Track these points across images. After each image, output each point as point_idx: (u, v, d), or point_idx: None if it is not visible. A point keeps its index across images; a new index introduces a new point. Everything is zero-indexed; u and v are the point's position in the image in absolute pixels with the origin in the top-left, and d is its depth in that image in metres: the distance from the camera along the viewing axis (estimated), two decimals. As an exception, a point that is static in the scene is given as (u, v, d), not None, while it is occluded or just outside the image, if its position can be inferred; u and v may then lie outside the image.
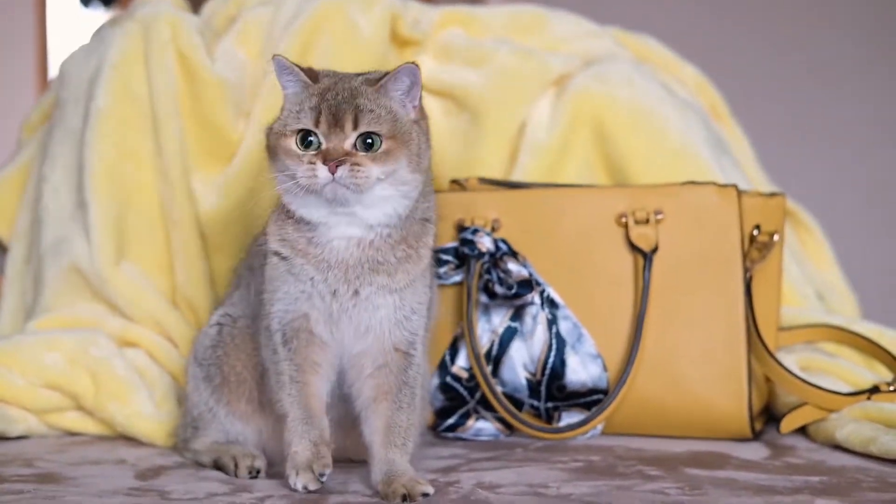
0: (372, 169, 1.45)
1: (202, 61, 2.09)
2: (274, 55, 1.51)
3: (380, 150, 1.45)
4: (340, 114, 1.45)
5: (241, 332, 1.67)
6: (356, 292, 1.51)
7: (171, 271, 2.07)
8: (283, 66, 1.50)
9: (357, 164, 1.44)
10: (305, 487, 1.46)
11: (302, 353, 1.53)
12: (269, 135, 1.52)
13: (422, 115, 1.54)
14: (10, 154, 2.41)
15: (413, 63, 1.49)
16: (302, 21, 2.12)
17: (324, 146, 1.45)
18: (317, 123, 1.45)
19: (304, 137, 1.46)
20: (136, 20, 2.13)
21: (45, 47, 4.67)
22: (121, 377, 1.91)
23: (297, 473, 1.47)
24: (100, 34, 2.21)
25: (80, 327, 1.99)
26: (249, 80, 2.14)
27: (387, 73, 1.49)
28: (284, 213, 1.53)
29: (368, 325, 1.53)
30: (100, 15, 4.96)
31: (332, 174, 1.43)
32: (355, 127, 1.45)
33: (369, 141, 1.45)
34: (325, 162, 1.44)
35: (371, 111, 1.46)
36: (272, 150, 1.50)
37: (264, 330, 1.57)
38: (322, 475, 1.47)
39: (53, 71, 4.50)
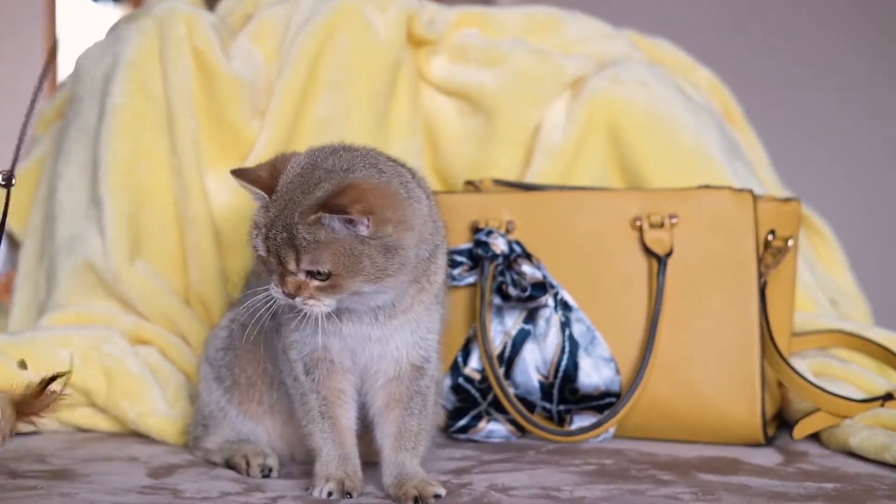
0: (324, 300, 1.41)
1: (218, 59, 2.09)
2: (231, 171, 1.46)
3: (327, 284, 1.40)
4: (283, 254, 1.39)
5: (249, 337, 1.65)
6: (368, 338, 1.51)
7: (185, 269, 2.07)
8: (250, 187, 1.44)
9: (311, 297, 1.41)
10: None
11: (326, 384, 1.52)
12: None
13: (397, 220, 1.40)
14: (22, 150, 2.41)
15: (349, 184, 1.38)
16: (318, 20, 2.12)
17: (283, 275, 1.41)
18: (267, 256, 1.41)
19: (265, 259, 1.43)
20: (152, 17, 2.13)
21: (55, 42, 4.67)
22: (133, 375, 1.91)
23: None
24: (115, 31, 2.21)
25: (93, 324, 1.99)
26: (264, 79, 2.14)
27: (322, 203, 1.37)
28: None
29: (386, 351, 1.52)
30: (110, 10, 4.97)
31: (292, 300, 1.42)
32: (297, 265, 1.39)
33: (318, 273, 1.39)
34: (281, 288, 1.41)
35: (309, 252, 1.38)
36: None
37: (282, 354, 1.56)
38: None
39: (63, 66, 4.50)
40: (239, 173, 1.45)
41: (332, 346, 1.51)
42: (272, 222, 1.40)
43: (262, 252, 1.42)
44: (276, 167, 1.45)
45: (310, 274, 1.39)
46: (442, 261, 1.56)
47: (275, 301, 1.44)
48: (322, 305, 1.41)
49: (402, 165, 1.54)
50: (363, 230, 1.38)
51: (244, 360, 1.65)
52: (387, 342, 1.52)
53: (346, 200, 1.36)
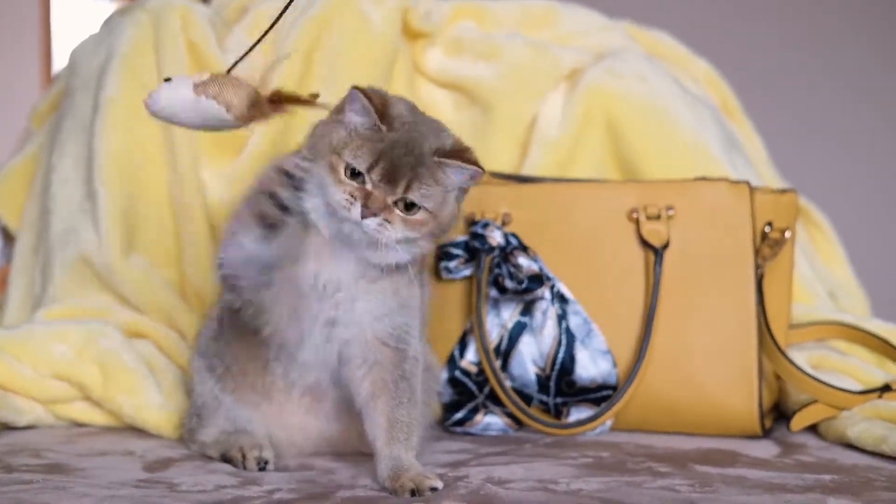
0: (398, 230, 1.45)
1: (213, 52, 2.09)
2: (352, 88, 1.46)
3: (414, 217, 1.45)
4: (398, 174, 1.43)
5: (241, 323, 1.65)
6: (338, 283, 1.52)
7: (180, 263, 2.06)
8: (358, 101, 1.45)
9: (388, 221, 1.44)
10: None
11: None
12: (316, 130, 1.49)
13: (459, 205, 1.53)
14: (15, 143, 2.41)
15: (481, 169, 1.48)
16: (313, 13, 2.12)
17: (369, 190, 1.44)
18: (370, 169, 1.43)
19: (355, 172, 1.45)
20: (147, 10, 2.12)
21: (50, 35, 4.67)
22: (129, 368, 1.90)
23: None
24: (110, 24, 2.20)
25: (89, 318, 1.99)
26: (260, 72, 2.13)
27: (456, 152, 1.48)
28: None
29: (350, 316, 1.53)
30: (104, 4, 4.96)
31: (362, 219, 1.43)
32: (406, 191, 1.44)
33: (409, 205, 1.45)
34: (363, 205, 1.43)
35: (427, 184, 1.45)
36: (314, 145, 1.48)
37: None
38: None
39: (58, 59, 4.50)
40: (363, 91, 1.45)
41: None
42: (395, 143, 1.44)
43: (364, 164, 1.43)
44: (385, 98, 1.48)
45: (403, 202, 1.44)
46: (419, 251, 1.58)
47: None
48: (395, 233, 1.45)
49: None
50: (455, 199, 1.50)
51: (235, 348, 1.64)
52: (354, 302, 1.52)
53: (474, 156, 1.48)
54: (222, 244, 1.52)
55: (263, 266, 1.50)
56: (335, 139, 1.46)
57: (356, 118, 1.46)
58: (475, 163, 1.47)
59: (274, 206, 1.43)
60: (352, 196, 1.43)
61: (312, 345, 1.56)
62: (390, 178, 1.43)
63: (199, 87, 1.42)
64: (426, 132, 1.48)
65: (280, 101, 1.45)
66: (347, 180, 1.44)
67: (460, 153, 1.48)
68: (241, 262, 1.50)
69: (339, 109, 1.49)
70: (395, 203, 1.44)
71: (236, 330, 1.64)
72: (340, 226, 1.46)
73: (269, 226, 1.45)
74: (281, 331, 1.56)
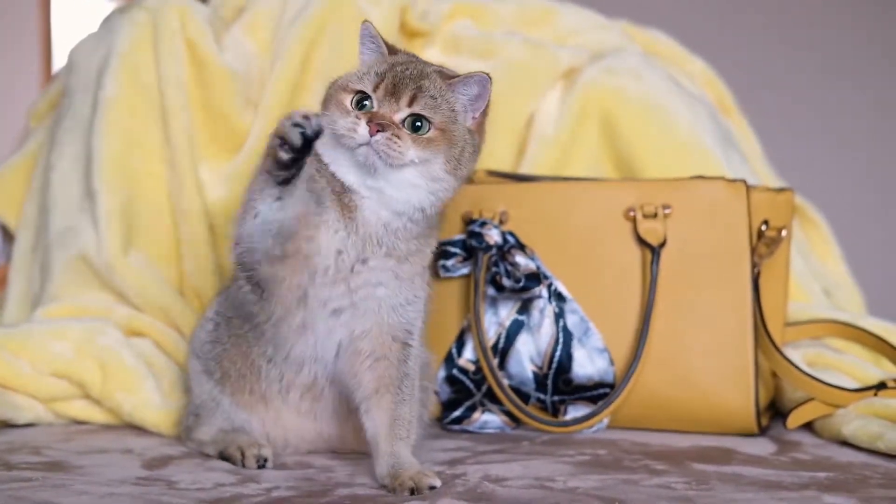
0: (409, 148, 1.46)
1: (211, 51, 2.09)
2: (364, 22, 1.54)
3: (424, 136, 1.47)
4: (401, 87, 1.47)
5: (235, 331, 1.65)
6: (365, 261, 1.51)
7: (179, 261, 2.07)
8: (368, 34, 1.54)
9: (396, 137, 1.45)
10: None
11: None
12: (329, 87, 1.53)
13: (479, 131, 1.55)
14: (14, 142, 2.41)
15: (487, 75, 1.51)
16: (311, 11, 2.12)
17: (374, 110, 1.47)
18: (375, 88, 1.47)
19: (360, 101, 1.48)
20: (145, 9, 2.13)
21: (49, 34, 4.66)
22: (128, 366, 1.91)
23: None
24: (108, 22, 2.20)
25: (88, 316, 1.99)
26: (258, 71, 2.14)
27: (460, 75, 1.52)
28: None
29: (367, 304, 1.53)
30: (103, 3, 4.95)
31: (370, 136, 1.44)
32: (410, 104, 1.47)
33: (418, 124, 1.46)
34: (368, 123, 1.45)
35: (432, 97, 1.48)
36: (326, 101, 1.52)
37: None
38: None
39: (57, 58, 4.49)
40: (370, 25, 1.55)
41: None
42: (398, 62, 1.50)
43: (370, 85, 1.47)
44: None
45: (411, 122, 1.46)
46: (435, 241, 1.60)
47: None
48: (407, 149, 1.45)
49: None
50: (469, 119, 1.52)
51: (233, 353, 1.65)
52: (367, 287, 1.52)
53: (487, 85, 1.51)
54: (238, 220, 1.51)
55: (277, 234, 1.47)
56: (344, 77, 1.51)
57: (365, 52, 1.53)
58: (483, 84, 1.51)
59: (287, 149, 1.40)
60: (357, 118, 1.45)
61: (313, 336, 1.55)
62: (394, 93, 1.46)
63: None
64: (429, 63, 1.54)
65: None
66: (354, 109, 1.47)
67: (471, 74, 1.52)
68: (257, 230, 1.48)
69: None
70: (403, 122, 1.46)
71: (232, 335, 1.65)
72: (354, 154, 1.46)
73: (284, 182, 1.43)
74: (284, 320, 1.55)
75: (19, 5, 4.61)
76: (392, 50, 1.55)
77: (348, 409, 1.60)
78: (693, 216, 1.85)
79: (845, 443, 1.74)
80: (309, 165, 1.46)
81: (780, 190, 1.93)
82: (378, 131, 1.44)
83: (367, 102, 1.47)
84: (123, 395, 1.88)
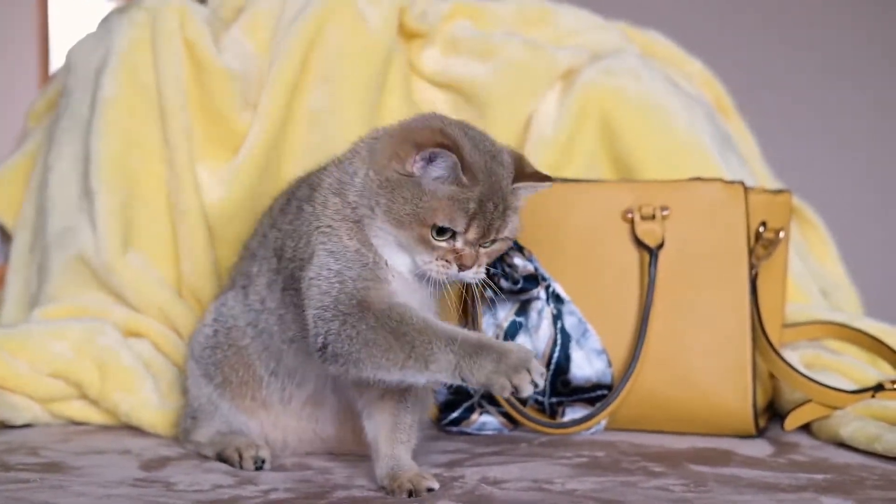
0: (484, 265, 1.46)
1: (210, 51, 2.09)
2: (438, 145, 1.38)
3: (495, 247, 1.47)
4: (492, 227, 1.43)
5: (236, 341, 1.65)
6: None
7: (177, 261, 2.07)
8: (451, 164, 1.39)
9: (479, 266, 1.45)
10: (542, 375, 1.34)
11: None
12: (398, 199, 1.41)
13: None
14: (13, 142, 2.41)
15: (551, 180, 1.50)
16: (310, 12, 2.12)
17: (461, 247, 1.43)
18: (466, 229, 1.42)
19: (444, 230, 1.42)
20: (144, 9, 2.13)
21: (47, 34, 4.65)
22: (126, 367, 1.91)
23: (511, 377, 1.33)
24: (107, 23, 2.20)
25: (86, 317, 1.99)
26: (256, 71, 2.14)
27: (524, 173, 1.47)
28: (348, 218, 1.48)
29: None
30: (102, 3, 4.94)
31: (459, 272, 1.43)
32: (497, 233, 1.45)
33: (496, 240, 1.46)
34: (459, 265, 1.42)
35: (511, 219, 1.46)
36: (394, 214, 1.41)
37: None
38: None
39: (56, 58, 4.48)
40: (449, 148, 1.39)
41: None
42: (485, 197, 1.42)
43: (462, 225, 1.40)
44: (460, 148, 1.40)
45: (493, 241, 1.44)
46: None
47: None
48: (483, 269, 1.46)
49: None
50: (531, 193, 1.50)
51: (234, 361, 1.65)
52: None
53: (533, 168, 1.48)
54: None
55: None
56: (419, 208, 1.40)
57: (437, 172, 1.40)
58: (543, 176, 1.49)
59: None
60: (446, 260, 1.42)
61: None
62: (486, 234, 1.43)
63: None
64: (495, 162, 1.44)
65: None
66: (437, 242, 1.42)
67: (527, 171, 1.48)
68: None
69: (397, 157, 1.42)
70: (486, 242, 1.45)
71: (233, 345, 1.64)
72: (426, 278, 1.44)
73: None
74: (295, 341, 1.55)
75: (17, 5, 4.60)
76: (466, 166, 1.39)
77: (350, 412, 1.59)
78: (691, 217, 1.85)
79: (843, 444, 1.74)
80: (350, 238, 1.45)
81: (778, 191, 1.93)
82: (467, 269, 1.43)
83: (449, 232, 1.42)
84: (121, 395, 1.88)
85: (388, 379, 1.41)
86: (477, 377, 1.33)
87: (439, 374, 1.36)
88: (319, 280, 1.45)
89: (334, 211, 1.47)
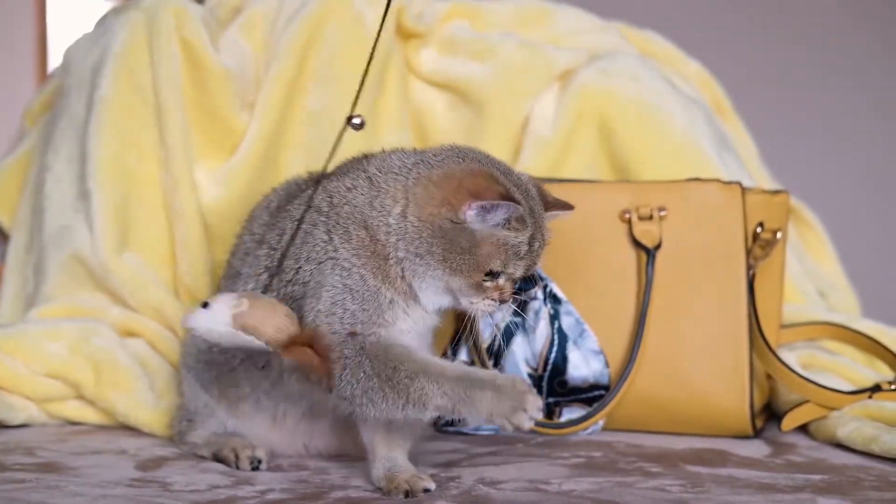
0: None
1: (206, 51, 2.09)
2: (505, 199, 1.37)
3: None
4: (536, 262, 1.46)
5: (229, 363, 1.63)
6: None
7: (174, 262, 2.06)
8: (506, 212, 1.38)
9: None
10: (539, 409, 1.34)
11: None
12: (452, 251, 1.40)
13: None
14: (9, 142, 2.41)
15: (572, 207, 1.53)
16: (307, 12, 2.12)
17: (503, 283, 1.44)
18: (515, 269, 1.44)
19: (495, 273, 1.43)
20: (141, 9, 2.12)
21: (45, 33, 4.65)
22: (122, 367, 1.91)
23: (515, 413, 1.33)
24: (104, 22, 2.20)
25: (82, 317, 1.99)
26: (253, 71, 2.14)
27: (550, 202, 1.51)
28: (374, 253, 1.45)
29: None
30: (99, 3, 4.94)
31: (501, 303, 1.46)
32: (536, 265, 1.48)
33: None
34: (500, 301, 1.44)
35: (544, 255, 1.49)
36: (450, 262, 1.40)
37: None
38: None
39: (53, 58, 4.48)
40: (508, 198, 1.39)
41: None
42: (533, 238, 1.44)
43: (518, 271, 1.44)
44: (502, 185, 1.41)
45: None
46: None
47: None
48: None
49: None
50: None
51: (230, 379, 1.63)
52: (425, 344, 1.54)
53: (561, 200, 1.52)
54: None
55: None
56: (476, 255, 1.39)
57: (496, 221, 1.39)
58: (567, 205, 1.52)
59: None
60: (492, 299, 1.44)
61: None
62: (530, 268, 1.46)
63: (237, 319, 1.40)
64: (534, 202, 1.46)
65: (314, 346, 1.40)
66: (487, 283, 1.43)
67: (549, 200, 1.51)
68: None
69: (449, 205, 1.40)
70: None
71: (226, 364, 1.63)
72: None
73: None
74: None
75: (14, 4, 4.60)
76: (523, 216, 1.41)
77: (345, 423, 1.57)
78: (688, 218, 1.85)
79: (840, 445, 1.73)
80: (374, 277, 1.44)
81: (776, 192, 1.93)
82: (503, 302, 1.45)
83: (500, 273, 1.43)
84: (118, 395, 1.88)
85: (396, 418, 1.42)
86: (474, 419, 1.37)
87: (441, 413, 1.38)
88: (332, 317, 1.43)
89: (359, 245, 1.45)
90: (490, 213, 1.39)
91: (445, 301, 1.46)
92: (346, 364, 1.41)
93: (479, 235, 1.40)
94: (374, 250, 1.44)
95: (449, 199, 1.40)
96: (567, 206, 1.52)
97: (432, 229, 1.41)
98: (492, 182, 1.40)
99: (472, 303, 1.44)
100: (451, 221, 1.40)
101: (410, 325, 1.47)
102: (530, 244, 1.43)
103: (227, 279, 1.68)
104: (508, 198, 1.39)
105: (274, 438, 1.65)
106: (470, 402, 1.34)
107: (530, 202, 1.45)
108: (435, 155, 1.48)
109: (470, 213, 1.39)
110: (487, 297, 1.43)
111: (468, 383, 1.35)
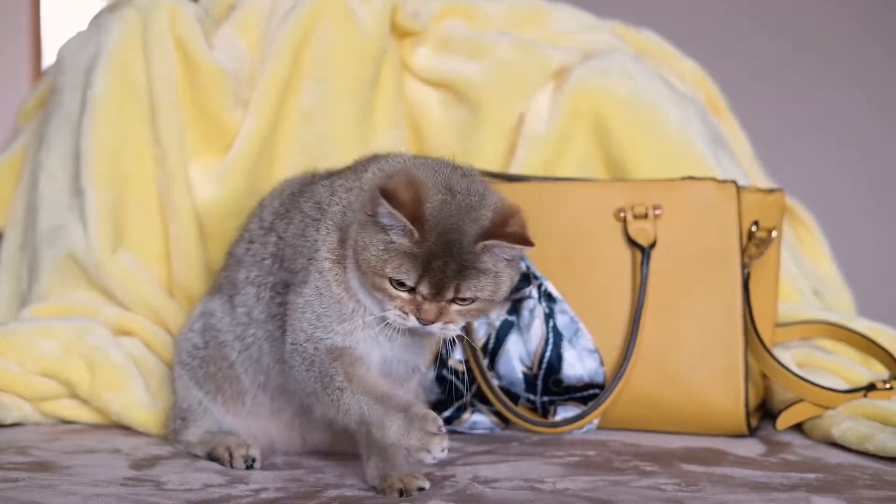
0: (459, 322, 1.42)
1: (201, 49, 2.08)
2: (378, 187, 1.37)
3: (472, 307, 1.42)
4: (444, 284, 1.37)
5: (227, 358, 1.64)
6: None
7: (168, 260, 2.06)
8: (384, 208, 1.37)
9: (449, 322, 1.41)
10: (442, 451, 1.35)
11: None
12: (359, 245, 1.41)
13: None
14: (4, 140, 2.40)
15: (529, 243, 1.40)
16: (301, 10, 2.12)
17: (420, 301, 1.39)
18: (418, 283, 1.38)
19: (402, 283, 1.39)
20: (135, 7, 2.12)
21: (39, 31, 4.64)
22: (116, 366, 1.90)
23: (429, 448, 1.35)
24: (98, 20, 2.20)
25: (76, 315, 1.98)
26: (248, 70, 2.13)
27: (497, 231, 1.39)
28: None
29: (404, 357, 1.53)
30: (93, 0, 4.93)
31: (423, 325, 1.40)
32: (456, 293, 1.39)
33: (465, 299, 1.40)
34: (418, 317, 1.39)
35: (475, 280, 1.39)
36: (359, 261, 1.41)
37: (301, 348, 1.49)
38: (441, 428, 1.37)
39: (47, 56, 4.48)
40: (390, 196, 1.36)
41: (372, 352, 1.49)
42: (432, 252, 1.37)
43: (412, 279, 1.38)
44: (416, 192, 1.38)
45: (458, 300, 1.40)
46: None
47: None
48: (457, 329, 1.42)
49: None
50: (517, 255, 1.42)
51: (227, 374, 1.63)
52: (407, 349, 1.52)
53: (517, 229, 1.40)
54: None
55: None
56: (376, 259, 1.39)
57: (387, 221, 1.38)
58: (520, 238, 1.40)
59: None
60: (404, 311, 1.40)
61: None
62: (438, 290, 1.38)
63: None
64: (462, 220, 1.39)
65: None
66: (397, 292, 1.40)
67: (502, 231, 1.39)
68: None
69: (373, 201, 1.39)
70: (452, 300, 1.40)
71: (224, 358, 1.63)
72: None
73: None
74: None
75: (9, 3, 4.59)
76: (414, 217, 1.36)
77: None
78: (683, 217, 1.85)
79: (835, 444, 1.73)
80: (337, 285, 1.46)
81: (771, 190, 1.93)
82: (430, 323, 1.40)
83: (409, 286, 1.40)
84: (111, 394, 1.87)
85: (336, 421, 1.47)
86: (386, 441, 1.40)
87: (365, 428, 1.42)
88: (303, 314, 1.48)
89: (329, 249, 1.47)
90: (390, 215, 1.37)
91: (379, 308, 1.43)
92: (302, 361, 1.47)
93: (383, 237, 1.39)
94: (339, 255, 1.46)
95: (374, 194, 1.39)
96: (520, 241, 1.40)
97: (357, 227, 1.43)
98: (411, 191, 1.38)
99: (385, 309, 1.42)
100: (367, 215, 1.41)
101: (373, 335, 1.46)
102: (428, 260, 1.37)
103: (226, 270, 1.69)
104: (387, 196, 1.36)
105: (272, 432, 1.65)
106: (382, 426, 1.38)
107: (451, 219, 1.38)
108: (421, 163, 1.48)
109: (381, 210, 1.38)
110: (398, 309, 1.40)
111: (385, 409, 1.39)
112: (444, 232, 1.38)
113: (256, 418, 1.65)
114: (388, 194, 1.36)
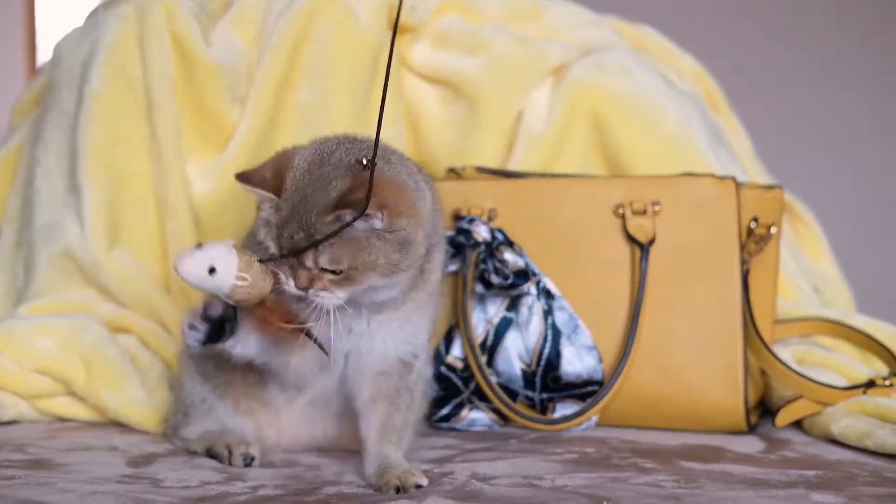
0: (336, 293, 1.40)
1: (198, 45, 2.08)
2: (237, 173, 1.43)
3: (342, 277, 1.39)
4: (301, 251, 1.38)
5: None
6: (368, 324, 1.51)
7: (165, 257, 2.05)
8: (247, 188, 1.42)
9: (323, 289, 1.40)
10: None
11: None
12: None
13: (409, 214, 1.41)
14: (0, 137, 2.39)
15: (363, 178, 1.36)
16: (299, 6, 2.11)
17: (295, 266, 1.40)
18: (281, 254, 1.40)
19: (269, 249, 1.42)
20: (131, 3, 2.11)
21: (34, 28, 4.64)
22: (113, 363, 1.89)
23: None
24: (94, 16, 2.19)
25: (73, 313, 1.98)
26: (245, 66, 2.12)
27: (344, 197, 1.37)
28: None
29: (372, 345, 1.52)
30: (90, -4, 4.92)
31: (304, 291, 1.40)
32: (315, 263, 1.38)
33: (326, 269, 1.39)
34: (294, 282, 1.40)
35: (329, 249, 1.37)
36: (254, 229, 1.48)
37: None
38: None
39: (43, 52, 4.47)
40: (244, 178, 1.43)
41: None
42: (285, 221, 1.39)
43: (275, 251, 1.40)
44: (280, 165, 1.43)
45: (325, 269, 1.39)
46: (438, 258, 1.55)
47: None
48: (335, 298, 1.40)
49: (408, 158, 1.54)
50: (377, 224, 1.38)
51: (234, 364, 1.62)
52: (372, 336, 1.51)
53: (362, 195, 1.35)
54: None
55: None
56: (256, 230, 1.45)
57: (258, 199, 1.44)
58: (358, 203, 1.34)
59: None
60: (286, 276, 1.41)
61: (327, 371, 1.56)
62: (298, 260, 1.39)
63: (235, 291, 1.41)
64: (316, 191, 1.39)
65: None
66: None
67: (347, 199, 1.36)
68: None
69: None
70: (321, 269, 1.39)
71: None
72: None
73: None
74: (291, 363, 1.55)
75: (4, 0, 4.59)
76: (269, 184, 1.41)
77: (350, 414, 1.59)
78: (682, 213, 1.84)
79: (834, 441, 1.73)
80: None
81: (770, 187, 1.92)
82: (306, 288, 1.40)
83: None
84: (108, 391, 1.87)
85: None
86: None
87: None
88: None
89: None
90: (254, 193, 1.44)
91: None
92: None
93: (259, 210, 1.46)
94: None
95: None
96: (350, 205, 1.36)
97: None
98: (270, 169, 1.43)
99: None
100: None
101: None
102: (280, 228, 1.39)
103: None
104: (267, 184, 1.42)
105: (282, 424, 1.64)
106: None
107: (302, 191, 1.39)
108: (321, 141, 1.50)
109: (247, 189, 1.44)
110: (283, 274, 1.41)
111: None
112: (298, 202, 1.39)
113: (268, 408, 1.64)
114: (241, 176, 1.44)
